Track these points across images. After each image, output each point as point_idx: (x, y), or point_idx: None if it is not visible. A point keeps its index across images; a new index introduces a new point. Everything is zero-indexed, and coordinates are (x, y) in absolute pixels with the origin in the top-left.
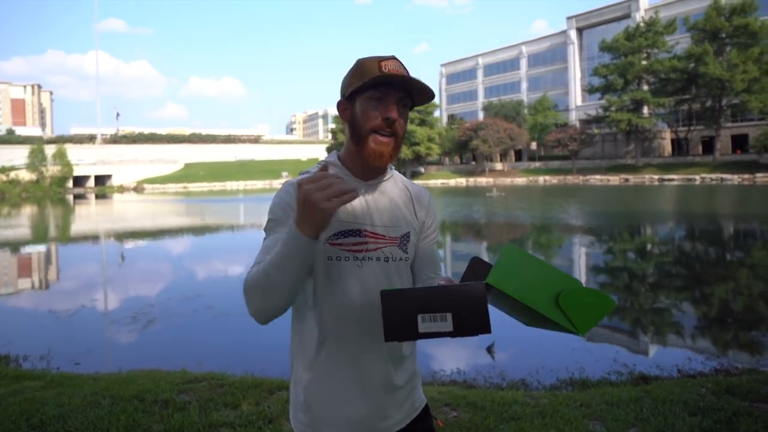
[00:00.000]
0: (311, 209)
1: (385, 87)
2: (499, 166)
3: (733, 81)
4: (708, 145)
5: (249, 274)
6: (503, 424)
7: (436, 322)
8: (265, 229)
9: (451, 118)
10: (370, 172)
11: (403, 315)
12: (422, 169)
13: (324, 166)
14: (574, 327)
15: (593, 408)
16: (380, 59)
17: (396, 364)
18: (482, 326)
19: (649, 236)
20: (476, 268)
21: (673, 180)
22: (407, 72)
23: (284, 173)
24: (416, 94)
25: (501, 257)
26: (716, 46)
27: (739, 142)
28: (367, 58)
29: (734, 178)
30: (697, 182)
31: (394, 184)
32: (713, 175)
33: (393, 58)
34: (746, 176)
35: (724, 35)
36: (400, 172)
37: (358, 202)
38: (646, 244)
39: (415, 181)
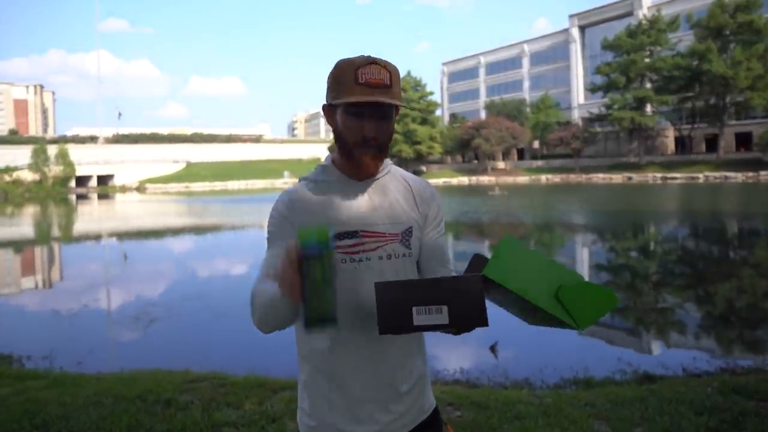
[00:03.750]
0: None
1: (362, 104)
2: (501, 164)
3: (737, 78)
4: (711, 143)
5: (253, 288)
6: (507, 424)
7: (431, 314)
8: (266, 240)
9: (453, 116)
10: (363, 172)
11: (398, 307)
12: (424, 168)
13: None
14: (573, 321)
15: (598, 407)
16: (357, 65)
17: (405, 366)
18: (479, 319)
19: (654, 235)
20: (477, 264)
21: (676, 178)
22: (389, 74)
23: (286, 173)
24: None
25: (499, 249)
26: (720, 43)
27: (743, 140)
28: (345, 62)
29: (738, 177)
30: (701, 180)
31: (392, 178)
32: (717, 174)
33: (372, 62)
34: (750, 174)
35: (728, 32)
36: None
37: (353, 203)
38: (651, 243)
39: None
